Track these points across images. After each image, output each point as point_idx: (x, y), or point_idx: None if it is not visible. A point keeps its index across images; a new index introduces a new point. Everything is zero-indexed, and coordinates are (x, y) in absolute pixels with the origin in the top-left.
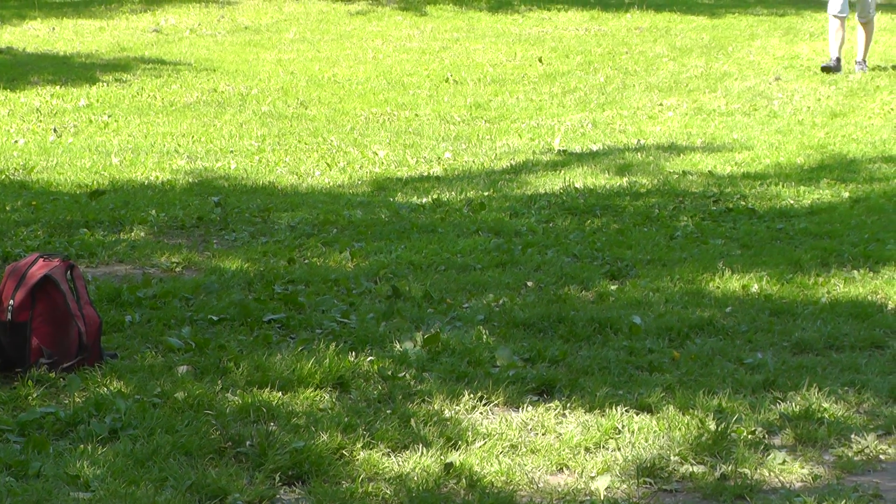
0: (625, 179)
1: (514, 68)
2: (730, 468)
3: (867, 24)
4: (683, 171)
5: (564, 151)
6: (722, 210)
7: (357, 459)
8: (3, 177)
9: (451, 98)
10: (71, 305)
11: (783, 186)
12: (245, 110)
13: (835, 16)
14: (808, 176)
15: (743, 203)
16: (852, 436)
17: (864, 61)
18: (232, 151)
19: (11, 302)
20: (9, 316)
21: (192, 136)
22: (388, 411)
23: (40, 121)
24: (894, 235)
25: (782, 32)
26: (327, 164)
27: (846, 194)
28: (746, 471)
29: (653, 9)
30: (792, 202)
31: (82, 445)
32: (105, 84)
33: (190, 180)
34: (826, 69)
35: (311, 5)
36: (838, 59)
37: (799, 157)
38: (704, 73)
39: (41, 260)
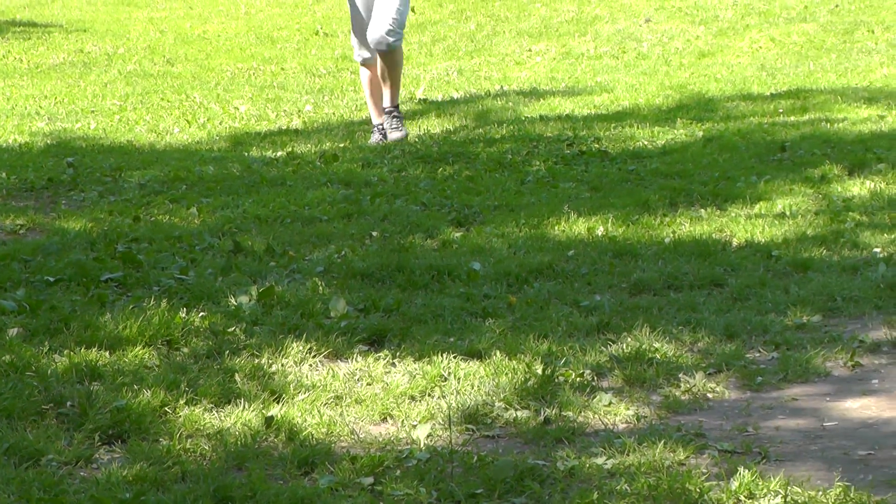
0: (481, 126)
1: None
2: (554, 412)
3: (390, 56)
4: (540, 116)
5: (425, 100)
6: (575, 153)
7: (179, 417)
8: None
9: (318, 51)
10: None
11: (638, 128)
12: (111, 70)
13: (363, 63)
14: (665, 116)
15: (596, 146)
16: (681, 375)
17: (397, 108)
18: (93, 111)
19: None
20: None
21: (55, 98)
22: (216, 367)
23: None
24: (745, 173)
25: None
26: (187, 121)
27: (700, 133)
28: (570, 414)
29: None
30: (646, 143)
31: None
32: None
33: (48, 142)
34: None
35: None
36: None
37: (658, 97)
38: (576, 18)
39: None
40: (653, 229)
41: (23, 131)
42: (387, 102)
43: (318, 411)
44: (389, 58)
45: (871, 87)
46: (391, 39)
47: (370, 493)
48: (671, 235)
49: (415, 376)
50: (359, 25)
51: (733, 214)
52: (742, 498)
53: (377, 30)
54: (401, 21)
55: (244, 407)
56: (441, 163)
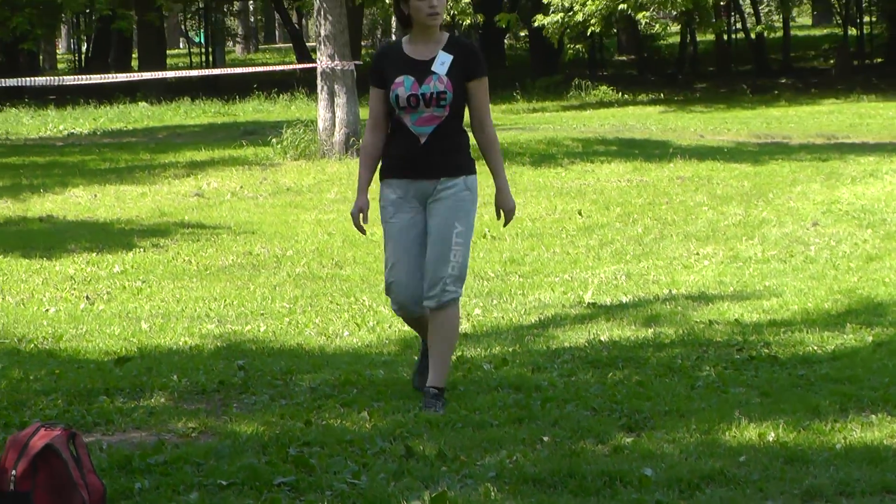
0: (650, 331)
1: (552, 222)
2: None
3: (442, 316)
4: (710, 321)
5: (594, 304)
6: (745, 358)
7: None
8: (31, 346)
9: (486, 254)
10: (73, 474)
11: (808, 332)
12: (280, 272)
13: (401, 310)
14: (835, 321)
15: (766, 351)
16: None
17: (441, 390)
18: (262, 314)
19: (14, 472)
20: (11, 486)
21: (225, 300)
22: None
23: (73, 288)
24: None
25: (824, 177)
26: (357, 325)
27: (870, 338)
28: None
29: (696, 158)
30: (815, 348)
31: None
32: (142, 250)
33: (218, 344)
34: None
35: (354, 165)
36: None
37: (827, 302)
38: (743, 221)
39: (42, 430)
40: (824, 435)
41: (193, 333)
42: (430, 380)
43: None
44: (441, 318)
45: None
46: (446, 297)
47: None
48: (842, 441)
49: None
50: (400, 266)
51: None
52: None
53: (428, 281)
54: (461, 268)
55: None
56: (611, 367)
